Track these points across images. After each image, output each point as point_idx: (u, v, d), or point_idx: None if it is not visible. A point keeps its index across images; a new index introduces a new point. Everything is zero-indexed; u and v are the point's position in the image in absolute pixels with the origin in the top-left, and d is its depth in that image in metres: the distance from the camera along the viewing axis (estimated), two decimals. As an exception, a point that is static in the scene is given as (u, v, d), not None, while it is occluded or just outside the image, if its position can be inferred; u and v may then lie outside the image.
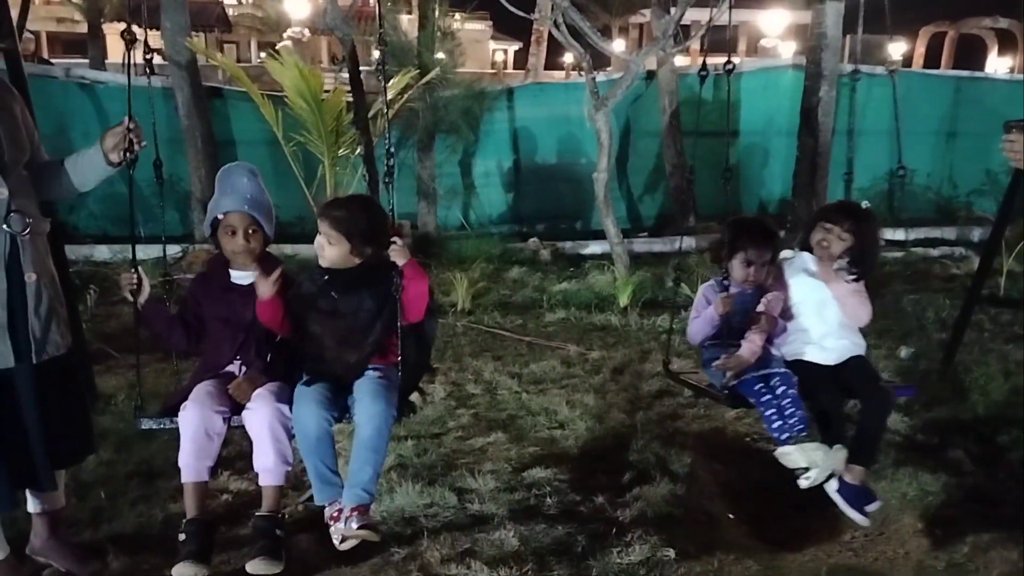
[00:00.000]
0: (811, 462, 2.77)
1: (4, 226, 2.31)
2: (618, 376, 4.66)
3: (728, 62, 3.17)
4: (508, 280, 6.82)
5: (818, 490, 2.79)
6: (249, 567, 2.46)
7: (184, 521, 2.52)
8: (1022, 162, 2.52)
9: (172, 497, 3.06)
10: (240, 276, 2.73)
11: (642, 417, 4.01)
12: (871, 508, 2.78)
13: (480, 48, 31.67)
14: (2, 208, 2.32)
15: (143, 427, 2.66)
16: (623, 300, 6.06)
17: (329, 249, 2.62)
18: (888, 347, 4.95)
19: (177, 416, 2.56)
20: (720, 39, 3.59)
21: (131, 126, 2.41)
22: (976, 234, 8.41)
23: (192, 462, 2.53)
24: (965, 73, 10.64)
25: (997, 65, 21.69)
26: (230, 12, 30.25)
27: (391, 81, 7.00)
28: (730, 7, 4.46)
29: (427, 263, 6.45)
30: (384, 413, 2.53)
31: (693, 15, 7.44)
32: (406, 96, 7.43)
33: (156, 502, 3.12)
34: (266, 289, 2.55)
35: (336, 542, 2.54)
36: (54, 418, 2.47)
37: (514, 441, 3.76)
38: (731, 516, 3.23)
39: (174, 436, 2.56)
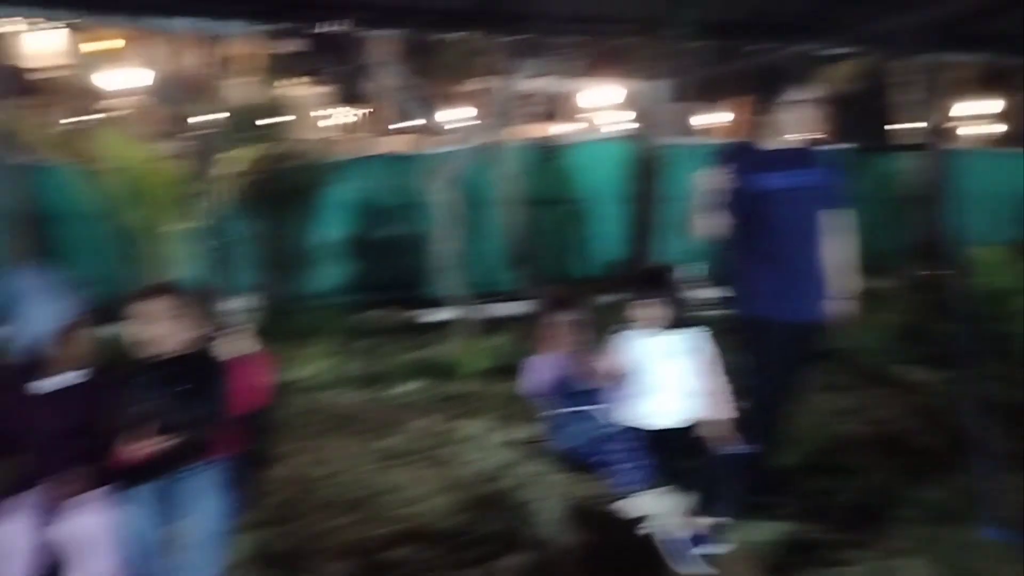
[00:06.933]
0: (651, 509, 2.94)
1: None
2: (471, 444, 4.60)
3: (564, 134, 3.31)
4: (356, 351, 6.63)
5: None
6: None
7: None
8: None
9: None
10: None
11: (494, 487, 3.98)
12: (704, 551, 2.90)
13: (319, 114, 31.30)
14: None
15: None
16: (477, 365, 6.02)
17: (156, 333, 2.46)
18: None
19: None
20: (545, 110, 3.71)
21: None
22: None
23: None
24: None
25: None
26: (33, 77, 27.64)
27: (234, 152, 6.76)
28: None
29: (269, 340, 6.17)
30: (217, 511, 2.38)
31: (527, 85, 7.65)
32: (254, 167, 7.19)
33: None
34: None
35: None
36: None
37: (371, 521, 3.61)
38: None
39: None
